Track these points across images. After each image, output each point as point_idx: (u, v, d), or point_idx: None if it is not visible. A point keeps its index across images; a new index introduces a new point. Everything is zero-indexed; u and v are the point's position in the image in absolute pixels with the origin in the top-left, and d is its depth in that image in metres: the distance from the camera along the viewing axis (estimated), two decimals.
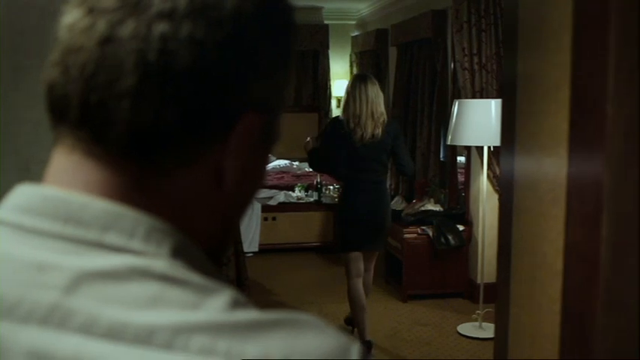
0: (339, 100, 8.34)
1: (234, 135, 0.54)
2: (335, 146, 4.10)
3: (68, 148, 0.53)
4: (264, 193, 7.09)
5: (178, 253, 0.51)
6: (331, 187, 7.09)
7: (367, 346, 4.20)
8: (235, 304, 0.47)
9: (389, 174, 6.88)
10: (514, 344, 2.12)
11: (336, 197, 6.41)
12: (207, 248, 0.56)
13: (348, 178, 4.16)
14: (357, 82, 4.07)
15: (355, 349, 0.48)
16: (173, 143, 0.52)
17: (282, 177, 7.64)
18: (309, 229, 6.92)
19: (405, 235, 5.35)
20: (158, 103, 0.50)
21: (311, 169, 5.44)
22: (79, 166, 0.53)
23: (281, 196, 7.08)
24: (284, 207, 6.97)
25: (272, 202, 6.97)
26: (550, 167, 1.87)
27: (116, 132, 0.51)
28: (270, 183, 7.48)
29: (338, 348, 0.47)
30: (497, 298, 2.26)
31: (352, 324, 4.54)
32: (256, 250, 6.73)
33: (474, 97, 5.06)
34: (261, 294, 5.43)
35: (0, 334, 0.45)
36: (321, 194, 6.99)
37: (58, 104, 0.53)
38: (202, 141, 0.53)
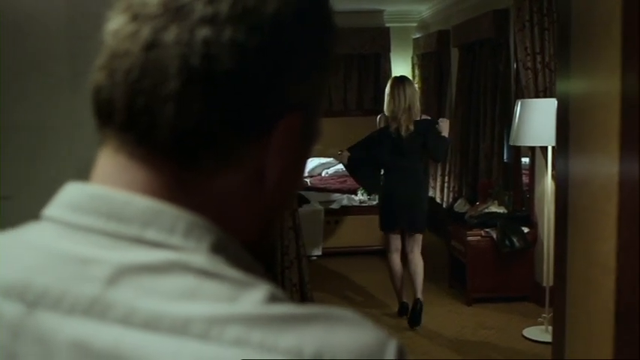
0: None
1: (274, 135, 0.55)
2: (378, 142, 4.70)
3: (113, 149, 0.55)
4: (327, 196, 7.12)
5: (218, 249, 0.52)
6: None
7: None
8: (272, 299, 0.48)
9: (452, 175, 6.86)
10: (571, 344, 2.08)
11: None
12: (247, 246, 0.57)
13: (387, 167, 4.75)
14: (396, 83, 4.69)
15: (392, 345, 0.48)
16: (215, 144, 0.53)
17: (345, 181, 7.65)
18: (372, 232, 6.85)
19: (469, 238, 5.28)
20: (201, 106, 0.52)
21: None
22: (123, 168, 0.55)
23: (344, 200, 7.09)
24: (347, 210, 6.98)
25: (335, 206, 6.99)
26: (603, 164, 1.83)
27: (160, 135, 0.52)
28: (333, 187, 7.50)
29: (375, 343, 0.47)
30: (554, 298, 2.22)
31: (405, 313, 4.91)
32: (320, 253, 6.76)
33: (537, 96, 4.95)
34: (324, 297, 5.46)
35: (47, 326, 0.48)
36: None
37: (103, 107, 0.55)
38: (243, 142, 0.54)
